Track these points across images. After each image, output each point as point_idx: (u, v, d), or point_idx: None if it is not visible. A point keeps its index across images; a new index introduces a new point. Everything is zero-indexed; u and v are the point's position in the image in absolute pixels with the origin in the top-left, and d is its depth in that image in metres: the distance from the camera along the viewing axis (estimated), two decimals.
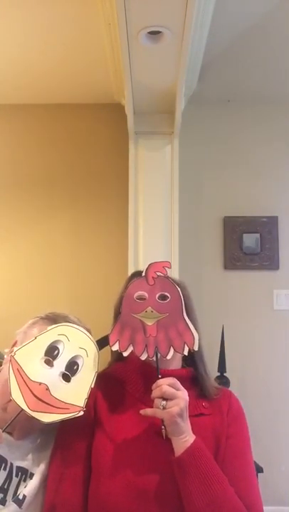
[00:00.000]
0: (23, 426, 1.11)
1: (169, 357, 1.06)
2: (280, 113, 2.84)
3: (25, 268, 2.77)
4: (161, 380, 1.04)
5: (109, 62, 2.29)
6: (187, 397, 1.03)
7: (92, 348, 1.10)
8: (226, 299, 2.72)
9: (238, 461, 1.12)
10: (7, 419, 1.06)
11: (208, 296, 2.69)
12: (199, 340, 1.09)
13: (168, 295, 1.10)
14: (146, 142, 2.54)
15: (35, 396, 1.02)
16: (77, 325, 1.13)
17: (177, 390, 1.02)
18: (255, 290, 2.73)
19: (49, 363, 1.06)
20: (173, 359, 1.12)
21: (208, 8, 1.88)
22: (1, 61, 2.41)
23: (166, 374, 1.07)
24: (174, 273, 2.31)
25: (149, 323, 1.08)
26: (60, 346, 1.08)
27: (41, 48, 2.29)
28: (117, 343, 1.07)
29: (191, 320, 1.10)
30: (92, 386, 1.06)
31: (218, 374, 2.39)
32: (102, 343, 1.28)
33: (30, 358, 1.05)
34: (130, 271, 2.34)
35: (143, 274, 1.12)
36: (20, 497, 1.11)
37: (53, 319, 1.19)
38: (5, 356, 1.21)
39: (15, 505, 1.10)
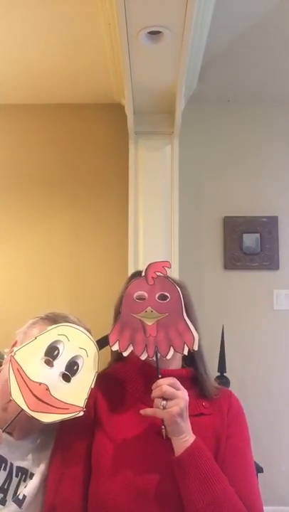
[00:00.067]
0: (23, 426, 1.11)
1: (169, 357, 1.06)
2: (280, 113, 2.84)
3: (25, 268, 2.77)
4: (161, 379, 1.04)
5: (109, 62, 2.29)
6: (187, 397, 1.03)
7: (92, 348, 1.10)
8: (226, 299, 2.72)
9: (238, 461, 1.12)
10: (7, 419, 1.06)
11: (208, 296, 2.69)
12: (199, 340, 1.08)
13: (168, 295, 1.10)
14: (146, 142, 2.54)
15: (35, 396, 1.02)
16: (77, 325, 1.13)
17: (177, 389, 1.02)
18: (255, 290, 2.73)
19: (49, 363, 1.06)
20: (173, 359, 1.12)
21: (208, 8, 1.88)
22: (1, 61, 2.41)
23: (166, 374, 1.07)
24: (174, 273, 2.31)
25: (149, 323, 1.08)
26: (60, 346, 1.08)
27: (41, 48, 2.30)
28: (117, 343, 1.07)
29: (191, 320, 1.10)
30: (92, 386, 1.06)
31: (218, 374, 2.39)
32: (102, 343, 1.28)
33: (30, 358, 1.05)
34: (130, 271, 2.34)
35: (143, 274, 1.11)
36: (20, 497, 1.11)
37: (53, 319, 1.19)
38: (5, 356, 1.21)
39: (15, 505, 1.10)
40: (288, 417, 2.63)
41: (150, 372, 1.11)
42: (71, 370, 1.07)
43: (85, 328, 1.13)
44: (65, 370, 1.06)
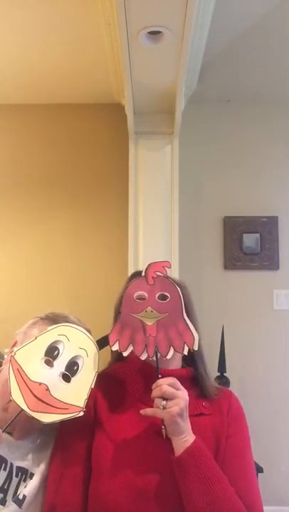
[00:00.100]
0: (23, 426, 1.11)
1: (168, 357, 1.06)
2: (280, 113, 2.84)
3: (25, 268, 2.77)
4: (161, 379, 1.04)
5: (109, 62, 2.29)
6: (187, 397, 1.03)
7: (92, 348, 1.10)
8: (226, 299, 2.72)
9: (238, 461, 1.12)
10: (7, 419, 1.06)
11: (208, 296, 2.69)
12: (199, 340, 1.08)
13: (168, 295, 1.10)
14: (146, 142, 2.54)
15: (35, 396, 1.02)
16: (77, 325, 1.13)
17: (177, 389, 1.02)
18: (255, 290, 2.73)
19: (49, 363, 1.06)
20: (173, 359, 1.12)
21: (208, 8, 1.88)
22: (1, 61, 2.41)
23: (166, 374, 1.07)
24: (174, 273, 2.31)
25: (149, 323, 1.08)
26: (60, 346, 1.08)
27: (41, 48, 2.30)
28: (117, 343, 1.07)
29: (191, 320, 1.10)
30: (92, 386, 1.06)
31: (218, 374, 2.39)
32: (102, 343, 1.28)
33: (30, 358, 1.05)
34: (130, 271, 2.34)
35: (143, 274, 1.11)
36: (20, 497, 1.11)
37: (53, 319, 1.19)
38: (5, 356, 1.21)
39: (15, 505, 1.10)
40: (288, 417, 2.63)
41: (150, 372, 1.11)
42: (71, 370, 1.07)
43: (85, 328, 1.13)
44: (65, 370, 1.06)
